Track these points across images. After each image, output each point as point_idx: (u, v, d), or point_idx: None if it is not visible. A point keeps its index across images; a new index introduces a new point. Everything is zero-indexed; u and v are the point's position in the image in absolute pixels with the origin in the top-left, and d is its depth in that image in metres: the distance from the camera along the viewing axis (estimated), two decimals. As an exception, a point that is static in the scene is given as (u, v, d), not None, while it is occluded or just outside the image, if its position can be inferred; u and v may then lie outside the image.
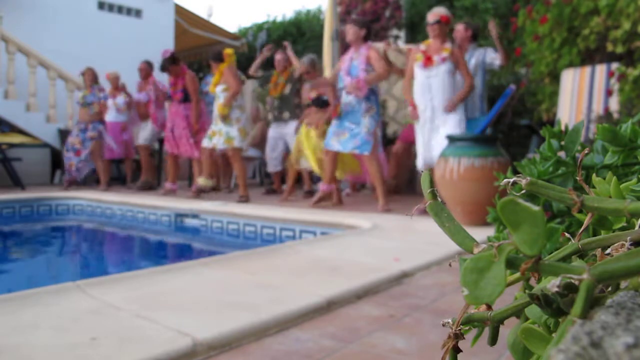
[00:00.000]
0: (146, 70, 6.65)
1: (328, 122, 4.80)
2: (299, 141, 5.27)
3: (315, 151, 5.01)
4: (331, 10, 6.45)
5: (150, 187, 6.71)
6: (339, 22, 6.94)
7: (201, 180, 5.55)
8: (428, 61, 3.94)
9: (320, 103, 5.11)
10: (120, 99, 7.21)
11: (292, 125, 5.70)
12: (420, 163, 4.09)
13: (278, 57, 5.77)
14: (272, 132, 6.00)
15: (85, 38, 9.60)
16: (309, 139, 5.13)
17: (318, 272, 2.03)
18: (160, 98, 6.65)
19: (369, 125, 4.34)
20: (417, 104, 4.06)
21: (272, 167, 6.08)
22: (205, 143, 5.44)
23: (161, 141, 7.34)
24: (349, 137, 4.37)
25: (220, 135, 5.30)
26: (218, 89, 5.34)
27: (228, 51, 5.42)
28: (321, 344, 1.31)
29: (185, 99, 6.02)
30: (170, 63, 5.88)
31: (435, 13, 4.01)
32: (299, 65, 5.52)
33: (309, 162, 5.17)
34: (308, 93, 5.35)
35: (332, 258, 2.31)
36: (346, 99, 4.43)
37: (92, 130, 6.78)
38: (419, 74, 4.04)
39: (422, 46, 4.04)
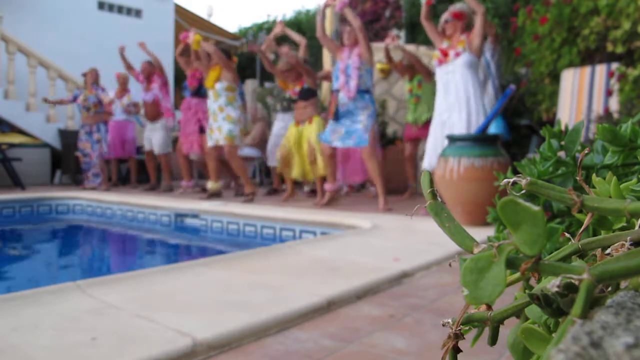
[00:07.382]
0: (148, 70, 6.65)
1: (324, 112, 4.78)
2: (287, 142, 5.11)
3: (313, 152, 4.85)
4: (331, 10, 6.45)
5: (171, 189, 6.69)
6: (338, 22, 6.94)
7: (210, 184, 5.56)
8: (445, 57, 3.92)
9: (306, 94, 5.00)
10: (127, 99, 7.24)
11: None
12: (426, 163, 4.07)
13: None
14: (279, 128, 5.88)
15: (85, 38, 9.61)
16: (305, 138, 4.98)
17: (318, 272, 2.03)
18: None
19: (366, 122, 4.37)
20: (436, 106, 4.04)
21: (273, 161, 5.99)
22: (209, 142, 5.42)
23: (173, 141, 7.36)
24: (346, 133, 4.39)
25: (220, 132, 5.28)
26: (219, 85, 5.31)
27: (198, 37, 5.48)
28: (321, 344, 1.31)
29: (199, 90, 6.08)
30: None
31: (449, 11, 4.00)
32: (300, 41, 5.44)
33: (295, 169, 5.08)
34: (284, 67, 5.19)
35: (332, 258, 2.31)
36: (342, 99, 4.44)
37: (97, 132, 6.87)
38: (438, 73, 4.02)
39: (445, 43, 3.99)
